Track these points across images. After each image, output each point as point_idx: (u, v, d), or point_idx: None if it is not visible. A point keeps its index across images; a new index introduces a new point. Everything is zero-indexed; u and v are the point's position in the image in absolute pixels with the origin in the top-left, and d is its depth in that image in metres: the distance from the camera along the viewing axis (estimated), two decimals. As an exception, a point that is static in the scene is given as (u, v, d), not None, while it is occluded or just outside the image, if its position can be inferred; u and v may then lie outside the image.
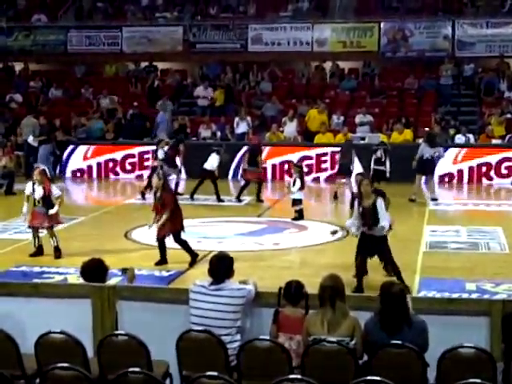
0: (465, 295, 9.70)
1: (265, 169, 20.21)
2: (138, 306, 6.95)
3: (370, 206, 10.13)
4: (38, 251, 12.29)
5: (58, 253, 12.18)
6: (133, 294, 7.10)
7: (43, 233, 12.43)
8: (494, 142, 21.89)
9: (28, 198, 12.48)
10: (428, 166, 18.08)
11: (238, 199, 18.03)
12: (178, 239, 11.77)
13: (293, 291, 6.49)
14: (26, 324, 6.78)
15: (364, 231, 10.25)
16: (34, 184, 12.31)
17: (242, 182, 18.60)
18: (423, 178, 18.30)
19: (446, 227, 14.60)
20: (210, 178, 17.84)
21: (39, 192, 12.24)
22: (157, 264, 11.63)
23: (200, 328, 6.26)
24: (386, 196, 10.77)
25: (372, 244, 10.22)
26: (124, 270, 7.91)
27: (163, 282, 10.57)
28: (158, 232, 11.68)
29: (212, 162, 17.83)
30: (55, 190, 12.38)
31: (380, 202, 10.17)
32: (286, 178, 20.56)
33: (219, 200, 17.92)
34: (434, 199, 17.90)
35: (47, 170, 12.83)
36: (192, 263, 11.70)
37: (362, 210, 10.19)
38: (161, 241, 11.73)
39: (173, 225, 11.65)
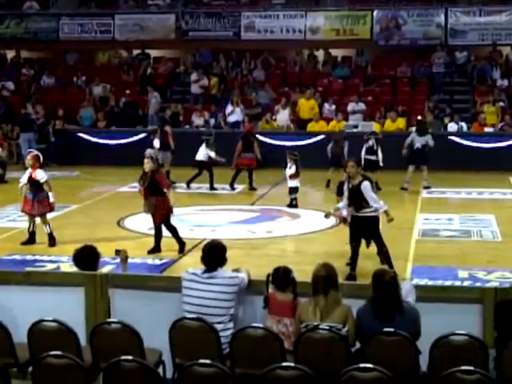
0: (457, 283, 9.72)
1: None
2: (130, 294, 6.95)
3: (355, 185, 10.20)
4: (30, 239, 12.22)
5: (52, 241, 12.12)
6: (125, 282, 7.10)
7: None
8: (487, 130, 21.92)
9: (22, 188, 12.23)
10: (420, 156, 18.00)
11: (232, 187, 18.02)
12: (168, 224, 11.73)
13: (280, 277, 6.49)
14: (18, 312, 6.77)
15: (352, 213, 10.31)
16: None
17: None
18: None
19: (439, 215, 14.62)
20: (205, 168, 17.82)
21: (26, 175, 12.07)
22: (150, 252, 11.62)
23: (193, 316, 6.27)
24: (373, 182, 10.79)
25: (362, 224, 10.24)
26: (117, 252, 7.97)
27: (156, 270, 10.58)
28: (157, 217, 11.64)
29: (203, 152, 17.77)
30: (40, 174, 12.03)
31: (365, 185, 10.21)
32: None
33: (212, 188, 17.91)
34: (427, 187, 17.92)
35: (40, 156, 12.52)
36: (181, 251, 11.68)
37: (348, 190, 10.29)
38: (159, 226, 11.69)
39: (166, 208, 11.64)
